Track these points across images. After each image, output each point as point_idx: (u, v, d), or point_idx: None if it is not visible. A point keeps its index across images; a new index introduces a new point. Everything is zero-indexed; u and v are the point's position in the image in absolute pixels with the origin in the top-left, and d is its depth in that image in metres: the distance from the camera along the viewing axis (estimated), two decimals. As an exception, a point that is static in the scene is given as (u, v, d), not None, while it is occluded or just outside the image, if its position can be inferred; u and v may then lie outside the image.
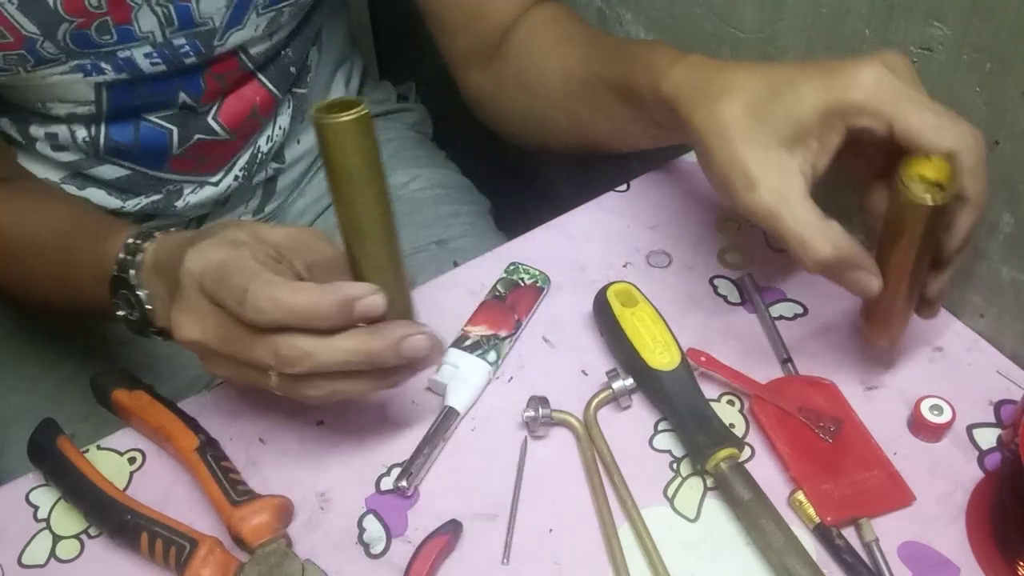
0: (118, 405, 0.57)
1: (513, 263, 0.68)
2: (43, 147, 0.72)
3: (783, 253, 0.69)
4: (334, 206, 0.49)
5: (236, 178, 0.79)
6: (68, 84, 0.66)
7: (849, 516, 0.53)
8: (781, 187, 0.49)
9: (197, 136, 0.74)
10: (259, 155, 0.80)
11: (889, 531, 0.53)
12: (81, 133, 0.70)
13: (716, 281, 0.68)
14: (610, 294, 0.62)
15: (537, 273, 0.67)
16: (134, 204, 0.77)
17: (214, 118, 0.74)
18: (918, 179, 0.48)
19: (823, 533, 0.53)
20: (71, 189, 0.75)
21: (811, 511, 0.53)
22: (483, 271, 0.68)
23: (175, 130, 0.73)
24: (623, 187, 0.75)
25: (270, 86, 0.76)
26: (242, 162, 0.79)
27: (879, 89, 0.48)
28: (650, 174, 0.77)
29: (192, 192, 0.78)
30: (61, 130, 0.70)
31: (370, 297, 0.47)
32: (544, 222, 0.73)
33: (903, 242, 0.50)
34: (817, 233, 0.49)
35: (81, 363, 0.77)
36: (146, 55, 0.67)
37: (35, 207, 0.67)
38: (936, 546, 0.53)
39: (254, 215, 0.85)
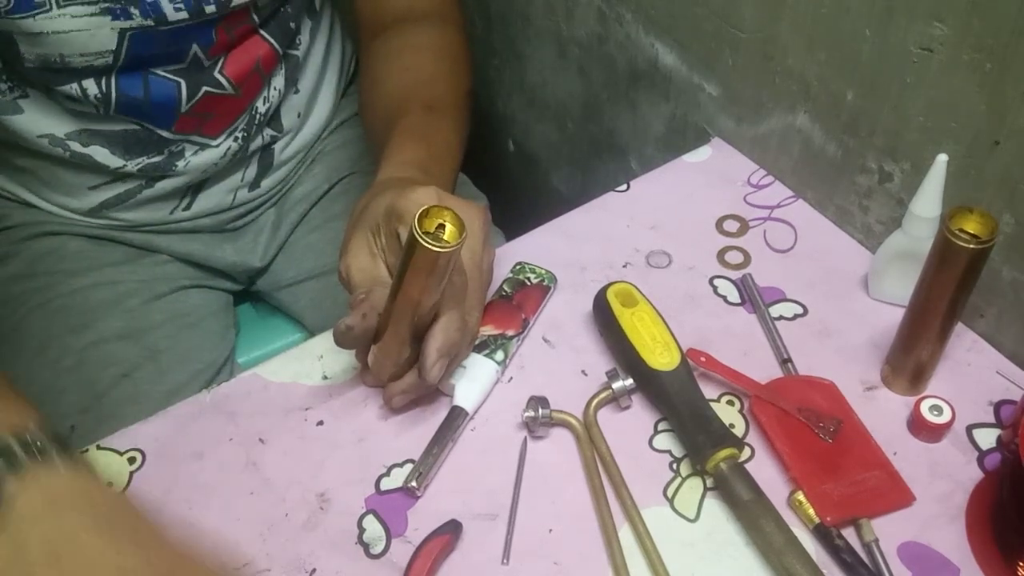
0: None
1: (519, 263, 0.68)
2: (56, 97, 0.74)
3: (783, 253, 0.70)
4: (401, 286, 0.52)
5: (236, 139, 0.82)
6: (94, 30, 0.68)
7: (849, 516, 0.53)
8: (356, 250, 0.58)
9: (205, 89, 0.76)
10: (257, 116, 0.82)
11: (889, 531, 0.53)
12: (93, 90, 0.72)
13: (716, 281, 0.68)
14: (610, 294, 0.62)
15: (544, 272, 0.67)
16: (136, 164, 0.78)
17: (220, 72, 0.77)
18: (959, 231, 0.51)
19: (823, 533, 0.53)
20: (75, 146, 0.76)
21: (811, 511, 0.53)
22: (486, 271, 0.68)
23: (183, 83, 0.75)
24: (623, 187, 0.75)
25: (272, 41, 0.80)
26: (242, 124, 0.82)
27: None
28: (650, 174, 0.77)
29: (194, 154, 0.80)
30: (74, 87, 0.71)
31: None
32: (544, 222, 0.73)
33: (946, 279, 0.53)
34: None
35: (80, 357, 0.77)
36: (171, 1, 0.69)
37: None
38: (936, 546, 0.53)
39: (249, 190, 0.87)
